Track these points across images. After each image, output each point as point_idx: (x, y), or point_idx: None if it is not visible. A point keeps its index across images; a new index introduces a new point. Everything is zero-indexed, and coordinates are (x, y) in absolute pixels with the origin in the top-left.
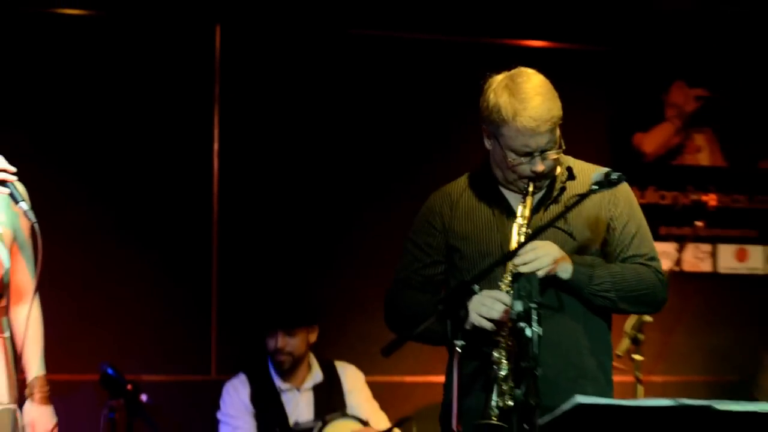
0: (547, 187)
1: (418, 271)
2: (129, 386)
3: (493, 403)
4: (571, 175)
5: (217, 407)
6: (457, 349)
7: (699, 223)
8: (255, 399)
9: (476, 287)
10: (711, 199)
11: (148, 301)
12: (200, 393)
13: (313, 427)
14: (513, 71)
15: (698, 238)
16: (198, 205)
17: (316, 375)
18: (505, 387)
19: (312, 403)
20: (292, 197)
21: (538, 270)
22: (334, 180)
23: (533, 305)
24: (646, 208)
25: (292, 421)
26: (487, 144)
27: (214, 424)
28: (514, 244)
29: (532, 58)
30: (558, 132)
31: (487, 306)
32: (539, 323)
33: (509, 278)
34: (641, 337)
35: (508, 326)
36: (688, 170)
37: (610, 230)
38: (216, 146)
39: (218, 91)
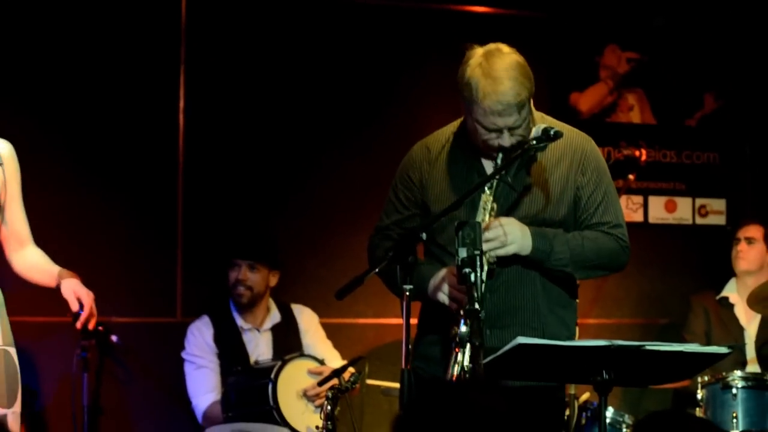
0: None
1: (397, 223)
2: (100, 327)
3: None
4: (547, 138)
5: (182, 348)
6: (406, 293)
7: (631, 176)
8: (218, 339)
9: (423, 235)
10: (642, 154)
11: (118, 248)
12: (166, 335)
13: (273, 365)
14: (490, 48)
15: (630, 191)
16: (164, 156)
17: (275, 316)
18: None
19: (271, 343)
20: (253, 149)
21: (495, 249)
22: (293, 131)
23: (477, 252)
24: None
25: (252, 359)
26: (464, 114)
27: (181, 361)
28: (481, 214)
29: (474, 23)
30: (529, 108)
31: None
32: (482, 268)
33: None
34: (577, 282)
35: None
36: (621, 127)
37: (577, 198)
38: (181, 104)
39: (184, 51)
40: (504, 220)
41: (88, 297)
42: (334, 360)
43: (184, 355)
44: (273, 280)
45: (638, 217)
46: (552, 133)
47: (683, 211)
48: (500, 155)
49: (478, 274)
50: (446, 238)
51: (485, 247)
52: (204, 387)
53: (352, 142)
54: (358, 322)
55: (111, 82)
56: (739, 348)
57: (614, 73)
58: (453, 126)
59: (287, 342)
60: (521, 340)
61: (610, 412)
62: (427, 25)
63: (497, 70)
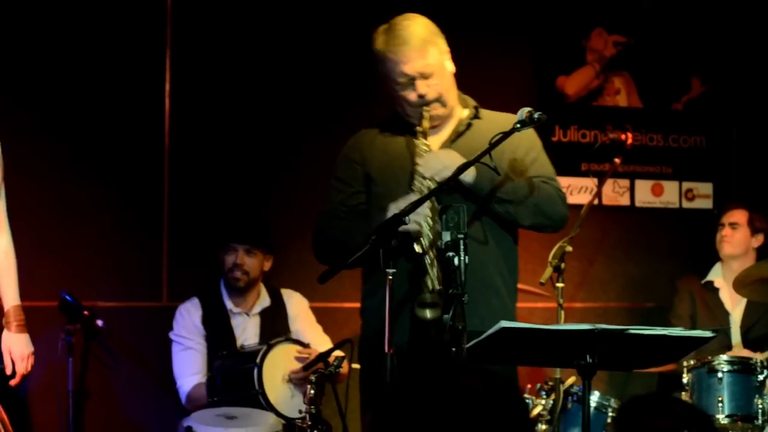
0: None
1: (342, 201)
2: (85, 312)
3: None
4: (477, 115)
5: (167, 332)
6: (389, 276)
7: (617, 160)
8: (206, 322)
9: (407, 219)
10: (628, 138)
11: (104, 233)
12: (152, 319)
13: (259, 350)
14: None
15: (616, 174)
16: (150, 140)
17: (264, 300)
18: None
19: (258, 327)
20: (240, 133)
21: (438, 171)
22: (280, 115)
23: (461, 236)
24: (568, 146)
25: (239, 343)
26: (386, 89)
27: (166, 345)
28: (417, 160)
29: (459, 7)
30: (439, 60)
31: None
32: (466, 252)
33: (418, 185)
34: (563, 266)
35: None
36: (607, 111)
37: (512, 164)
38: (167, 87)
39: (170, 33)
40: (440, 150)
41: (21, 362)
42: (324, 345)
43: (171, 335)
44: (267, 265)
45: (625, 200)
46: (536, 116)
47: (670, 194)
48: (424, 110)
49: (462, 258)
50: (378, 206)
51: (428, 173)
52: (190, 368)
53: (340, 126)
54: (345, 306)
55: (96, 65)
56: (724, 332)
57: (601, 56)
58: (379, 121)
59: (275, 327)
60: (504, 324)
61: (595, 396)
62: (411, 11)
63: (397, 23)
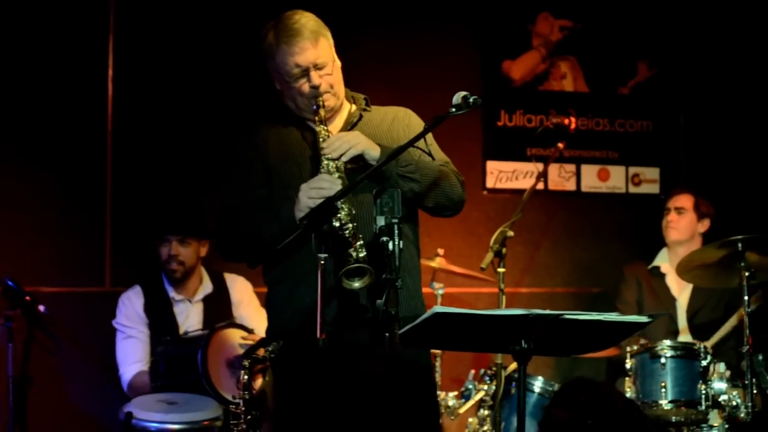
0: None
1: (243, 197)
2: (27, 297)
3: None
4: (367, 107)
5: (111, 317)
6: (321, 262)
7: (560, 145)
8: (148, 309)
9: (338, 203)
10: (571, 122)
11: (45, 217)
12: (95, 304)
13: (202, 335)
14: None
15: (562, 159)
16: (93, 126)
17: (207, 286)
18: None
19: (202, 314)
20: (183, 118)
21: (346, 150)
22: (222, 102)
23: (395, 220)
24: (513, 131)
25: (182, 330)
26: (277, 85)
27: (109, 331)
28: (321, 144)
29: None
30: (330, 52)
31: (315, 188)
32: (401, 237)
33: (326, 166)
34: (504, 250)
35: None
36: (553, 95)
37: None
38: (110, 72)
39: (113, 19)
40: (345, 132)
41: None
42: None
43: (114, 323)
44: (203, 251)
45: (571, 185)
46: (471, 100)
47: (616, 179)
48: (319, 102)
49: (396, 243)
50: (291, 194)
51: (335, 154)
52: (131, 357)
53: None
54: None
55: (39, 52)
56: (662, 317)
57: (547, 41)
58: (267, 118)
59: (219, 313)
60: (438, 309)
61: (539, 382)
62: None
63: (287, 17)
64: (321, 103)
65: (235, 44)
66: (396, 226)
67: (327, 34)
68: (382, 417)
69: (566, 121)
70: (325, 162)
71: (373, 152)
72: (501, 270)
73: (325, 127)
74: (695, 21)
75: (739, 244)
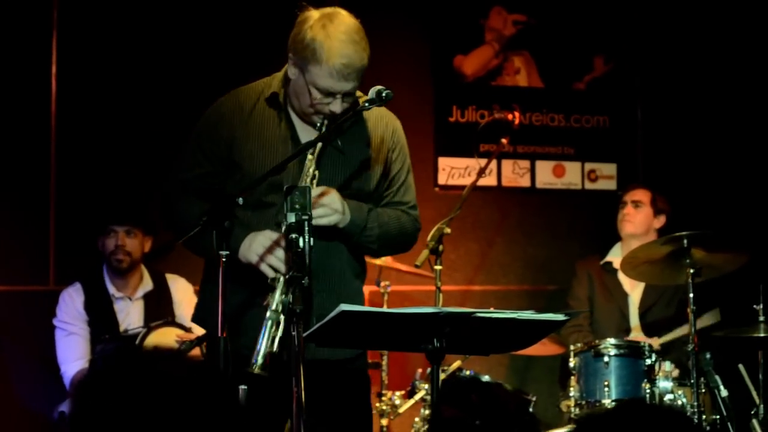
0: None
1: (199, 177)
2: None
3: (261, 351)
4: (380, 99)
5: (54, 315)
6: (223, 259)
7: (504, 140)
8: (88, 307)
9: (240, 200)
10: (515, 117)
11: None
12: (39, 302)
13: (139, 333)
14: (329, 11)
15: (517, 155)
16: (36, 121)
17: (147, 284)
18: (273, 331)
19: (142, 312)
20: (127, 114)
21: (320, 218)
22: (166, 96)
23: (305, 217)
24: (466, 126)
25: (122, 327)
26: (291, 73)
27: (53, 329)
28: (305, 178)
29: None
30: (359, 80)
31: (268, 256)
32: (311, 234)
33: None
34: (441, 248)
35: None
36: (506, 90)
37: (385, 173)
38: (54, 69)
39: (56, 15)
40: (325, 188)
41: None
42: None
43: (55, 321)
44: (147, 246)
45: (525, 182)
46: (384, 94)
47: (572, 175)
48: (324, 121)
49: (306, 240)
50: (253, 201)
51: (316, 221)
52: (73, 354)
53: None
54: None
55: None
56: (577, 315)
57: (500, 35)
58: (264, 83)
59: (159, 311)
60: (344, 307)
61: (486, 379)
62: None
63: (342, 32)
64: (326, 124)
65: (178, 37)
66: (306, 223)
67: (368, 56)
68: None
69: (510, 117)
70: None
71: (341, 223)
72: (438, 267)
73: (315, 168)
74: (652, 15)
75: (685, 241)
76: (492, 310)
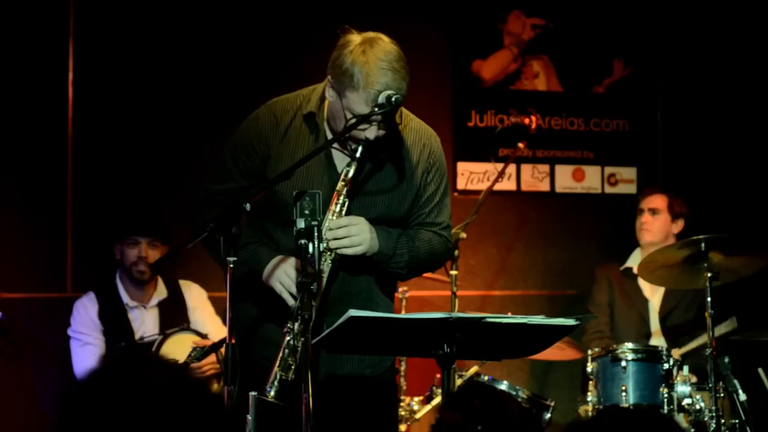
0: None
1: (230, 191)
2: None
3: (276, 378)
4: (389, 104)
5: (69, 326)
6: (230, 266)
7: (521, 144)
8: (103, 316)
9: (248, 206)
10: (532, 122)
11: (6, 222)
12: (56, 310)
13: (155, 340)
14: (370, 35)
15: (536, 160)
16: (53, 130)
17: (161, 292)
18: (290, 360)
19: (157, 320)
20: (143, 123)
21: (345, 249)
22: (182, 106)
23: (315, 222)
24: (485, 131)
25: (138, 336)
26: (329, 95)
27: (67, 338)
28: (332, 207)
29: None
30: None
31: (289, 284)
32: (321, 239)
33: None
34: (456, 253)
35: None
36: (525, 95)
37: (418, 194)
38: (71, 76)
39: (73, 22)
40: (355, 219)
41: None
42: (222, 334)
43: (69, 332)
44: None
45: (544, 186)
46: (393, 99)
47: (592, 179)
48: (360, 147)
49: (316, 245)
50: (283, 220)
51: (334, 244)
52: (89, 364)
53: (239, 119)
54: None
55: (2, 58)
56: (588, 320)
57: (518, 39)
58: (302, 96)
59: (174, 318)
60: (353, 312)
61: (504, 386)
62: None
63: (382, 59)
64: (362, 151)
65: (195, 46)
66: (316, 228)
67: (408, 83)
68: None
69: (527, 121)
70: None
71: (371, 252)
72: (453, 272)
73: (345, 194)
74: (672, 17)
75: (702, 244)
76: (502, 315)
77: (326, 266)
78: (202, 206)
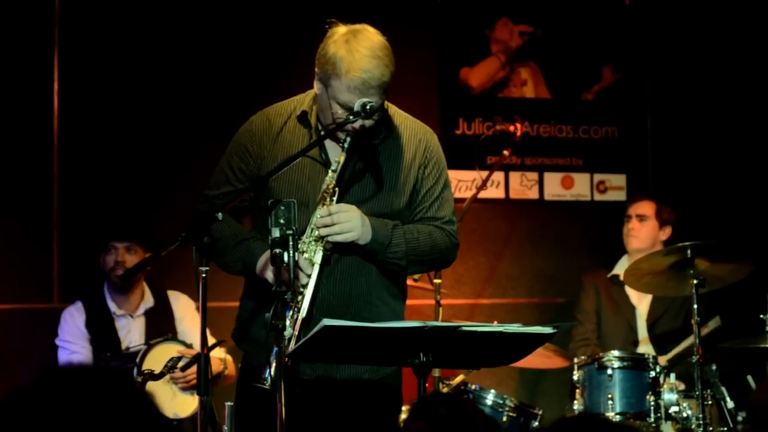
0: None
1: (226, 195)
2: None
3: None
4: (364, 112)
5: (57, 335)
6: (202, 275)
7: (506, 152)
8: (90, 325)
9: (220, 215)
10: (517, 129)
11: None
12: (43, 321)
13: (139, 350)
14: (356, 27)
15: (524, 167)
16: (39, 139)
17: (148, 301)
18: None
19: (144, 329)
20: (129, 132)
21: (336, 236)
22: (168, 114)
23: (290, 231)
24: (473, 139)
25: (124, 345)
26: (317, 87)
27: (55, 347)
28: (325, 196)
29: None
30: (384, 97)
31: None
32: (296, 248)
33: (308, 236)
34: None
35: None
36: (513, 102)
37: (416, 189)
38: (56, 86)
39: (58, 32)
40: (344, 206)
41: None
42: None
43: (57, 341)
44: None
45: (533, 194)
46: (368, 107)
47: (581, 187)
48: (348, 139)
49: (291, 254)
50: None
51: (324, 232)
52: None
53: (229, 125)
54: (234, 306)
55: None
56: (568, 327)
57: (506, 47)
58: (297, 101)
59: (161, 328)
60: (327, 322)
61: (491, 395)
62: (311, 2)
63: (364, 47)
64: (350, 141)
65: (179, 54)
66: (291, 238)
67: (393, 73)
68: None
69: (511, 128)
70: (311, 228)
71: (362, 240)
72: (437, 281)
73: (335, 185)
74: (661, 23)
75: (688, 251)
76: (478, 323)
77: (317, 256)
78: (199, 212)
